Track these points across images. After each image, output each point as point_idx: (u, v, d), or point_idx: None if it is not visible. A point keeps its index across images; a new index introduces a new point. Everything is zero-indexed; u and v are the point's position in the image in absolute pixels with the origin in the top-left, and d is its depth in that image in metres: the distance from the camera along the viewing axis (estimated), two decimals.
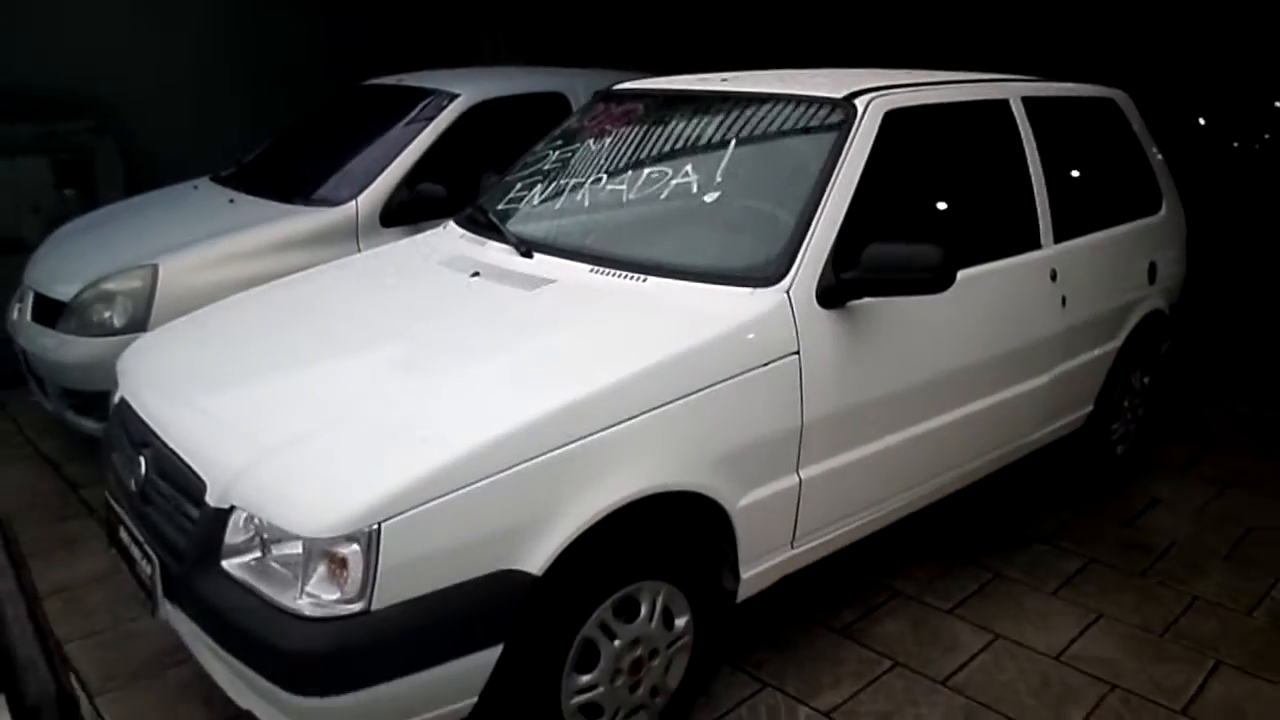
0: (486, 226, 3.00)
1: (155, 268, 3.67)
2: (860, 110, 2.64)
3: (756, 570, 2.45)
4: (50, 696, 1.21)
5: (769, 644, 2.79)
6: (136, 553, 2.18)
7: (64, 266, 3.98)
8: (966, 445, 2.98)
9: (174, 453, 2.10)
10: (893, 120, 2.68)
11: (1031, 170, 3.14)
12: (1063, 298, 3.18)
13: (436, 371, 2.18)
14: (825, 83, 2.86)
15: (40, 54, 5.50)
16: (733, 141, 2.77)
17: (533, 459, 1.91)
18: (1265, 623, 2.99)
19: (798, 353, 2.34)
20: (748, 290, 2.35)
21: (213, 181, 4.68)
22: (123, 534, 2.28)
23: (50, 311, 3.81)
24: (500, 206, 3.10)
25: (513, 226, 2.89)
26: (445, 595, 1.85)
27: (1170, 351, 4.20)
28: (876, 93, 2.72)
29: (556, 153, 3.23)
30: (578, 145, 3.19)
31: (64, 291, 3.79)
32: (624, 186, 2.84)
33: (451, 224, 3.26)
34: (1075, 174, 3.39)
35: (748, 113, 2.84)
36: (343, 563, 1.77)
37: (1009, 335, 3.00)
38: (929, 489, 2.91)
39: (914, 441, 2.73)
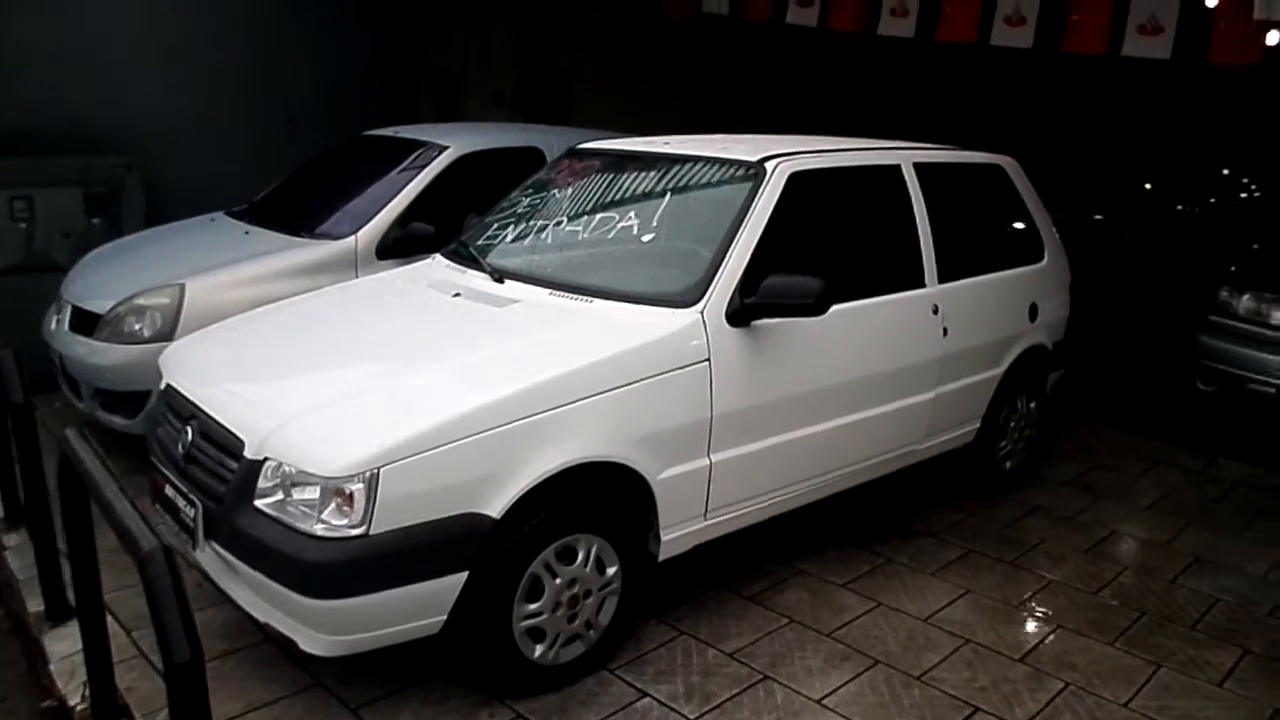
0: (468, 258, 3.64)
1: (183, 287, 4.28)
2: (769, 171, 3.31)
3: (674, 535, 3.05)
4: (159, 548, 1.80)
5: (688, 604, 3.38)
6: (181, 502, 2.77)
7: (100, 284, 4.58)
8: (856, 446, 3.61)
9: (217, 421, 2.70)
10: (796, 180, 3.35)
11: (919, 222, 3.81)
12: (944, 328, 3.84)
13: (425, 364, 2.81)
14: (747, 148, 3.54)
15: (76, 98, 6.19)
16: (668, 193, 3.44)
17: (498, 427, 2.53)
18: (1107, 599, 3.61)
19: (708, 360, 2.97)
20: (670, 310, 2.99)
21: (228, 216, 5.32)
22: (168, 490, 2.87)
23: (87, 322, 4.41)
24: (480, 242, 3.74)
25: (489, 259, 3.53)
26: (426, 527, 2.45)
27: (1061, 382, 4.87)
28: (784, 158, 3.39)
29: (528, 199, 3.89)
30: (545, 194, 3.86)
31: (100, 305, 4.39)
32: (579, 228, 3.50)
33: (438, 256, 3.90)
34: (960, 226, 4.06)
35: (682, 170, 3.51)
36: (350, 497, 2.37)
37: (894, 356, 3.65)
38: (823, 482, 3.53)
39: (809, 439, 3.35)
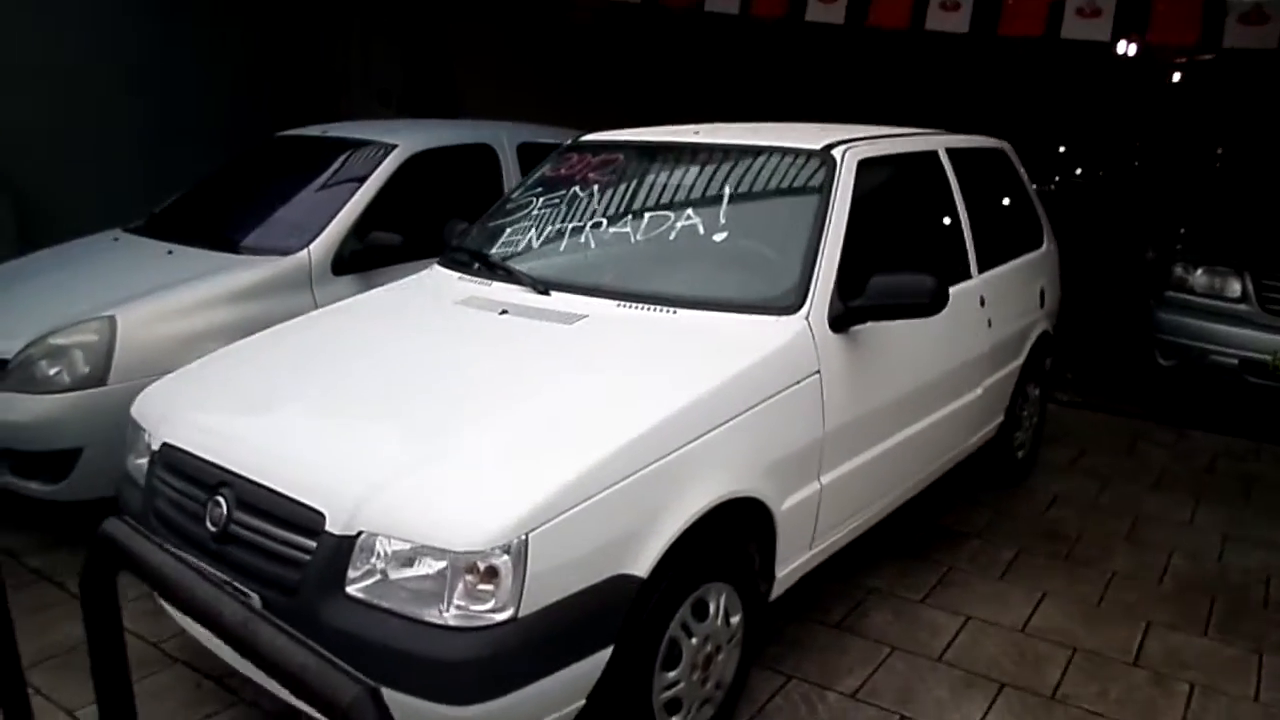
0: (488, 268, 3.16)
1: (113, 320, 3.56)
2: (840, 159, 3.01)
3: (786, 570, 2.71)
4: (363, 693, 1.32)
5: (776, 642, 3.04)
6: None
7: None
8: (930, 450, 3.38)
9: (272, 489, 2.15)
10: (863, 168, 3.07)
11: (960, 210, 3.61)
12: (989, 320, 3.66)
13: (516, 398, 2.34)
14: (795, 136, 3.23)
15: None
16: (726, 187, 3.07)
17: (642, 469, 2.11)
18: (1172, 588, 3.52)
19: (819, 372, 2.65)
20: (773, 318, 2.64)
21: (131, 233, 4.56)
22: None
23: None
24: (496, 250, 3.26)
25: (525, 268, 3.06)
26: (576, 599, 2.01)
27: (1050, 367, 4.83)
28: (847, 144, 3.10)
29: (541, 200, 3.42)
30: (562, 192, 3.40)
31: (3, 348, 3.61)
32: (628, 229, 3.08)
33: (438, 268, 3.39)
34: (987, 213, 3.90)
35: (736, 162, 3.15)
36: (491, 573, 1.90)
37: (959, 352, 3.44)
38: (904, 490, 3.29)
39: (896, 448, 3.09)
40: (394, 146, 4.54)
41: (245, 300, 3.86)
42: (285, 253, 4.08)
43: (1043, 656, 3.03)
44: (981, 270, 3.66)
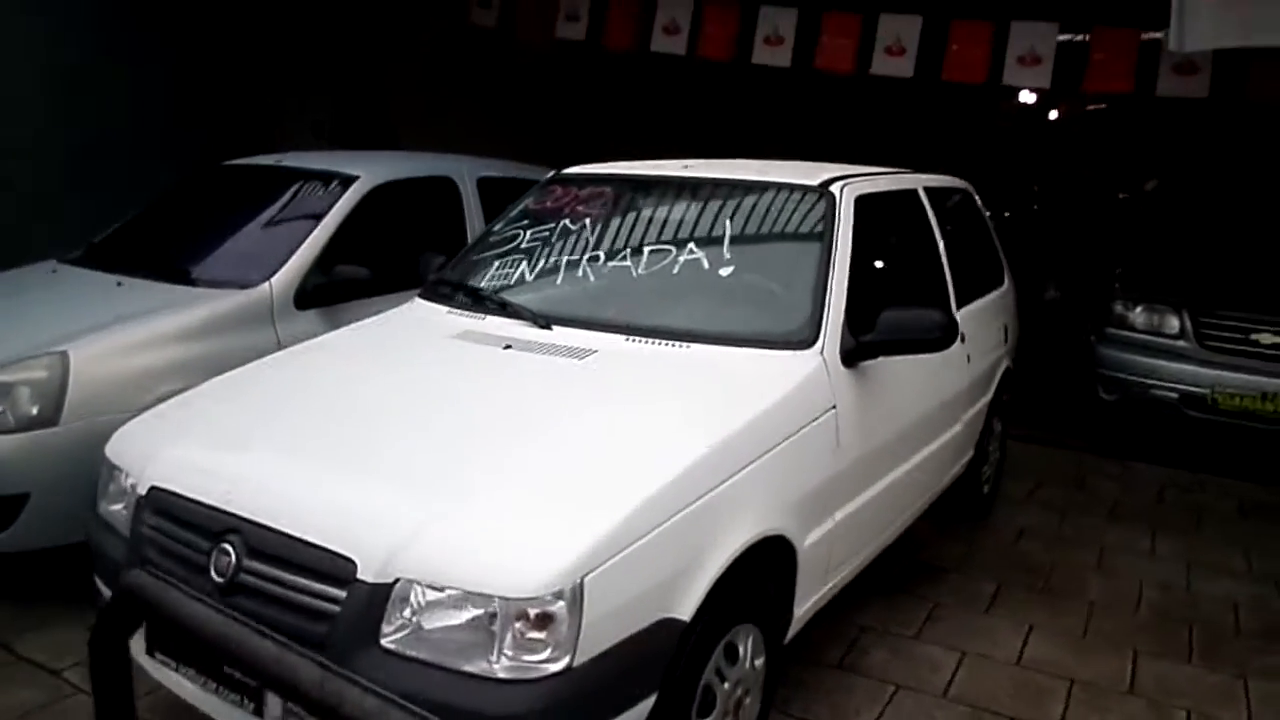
0: (481, 302, 3.06)
1: (65, 356, 3.31)
2: (839, 195, 3.03)
3: (803, 609, 2.66)
4: None
5: (785, 685, 2.96)
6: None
7: None
8: (923, 483, 3.39)
9: (289, 536, 2.00)
10: (860, 204, 3.09)
11: (940, 247, 3.67)
12: (968, 356, 3.72)
13: (551, 433, 2.24)
14: (786, 172, 3.24)
15: None
16: (728, 222, 3.05)
17: (686, 507, 2.04)
18: (1149, 617, 3.60)
19: (834, 407, 2.63)
20: (789, 353, 2.61)
21: (69, 264, 4.29)
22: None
23: None
24: (486, 284, 3.17)
25: (521, 302, 2.97)
26: (624, 646, 1.91)
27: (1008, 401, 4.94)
28: (843, 181, 3.12)
29: (529, 233, 3.34)
30: (552, 225, 3.33)
31: None
32: (628, 263, 3.02)
33: (421, 302, 3.28)
34: (958, 251, 3.98)
35: (732, 197, 3.14)
36: (545, 620, 1.79)
37: (945, 387, 3.47)
38: (901, 524, 3.28)
39: (897, 482, 3.09)
40: (355, 178, 4.40)
41: (205, 336, 3.66)
42: (245, 286, 3.89)
43: (1043, 689, 3.05)
44: (959, 306, 3.72)
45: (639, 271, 2.98)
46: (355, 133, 8.80)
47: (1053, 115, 17.23)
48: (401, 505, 1.98)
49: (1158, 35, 5.34)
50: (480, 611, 1.82)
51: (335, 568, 1.92)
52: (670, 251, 2.99)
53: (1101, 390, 5.73)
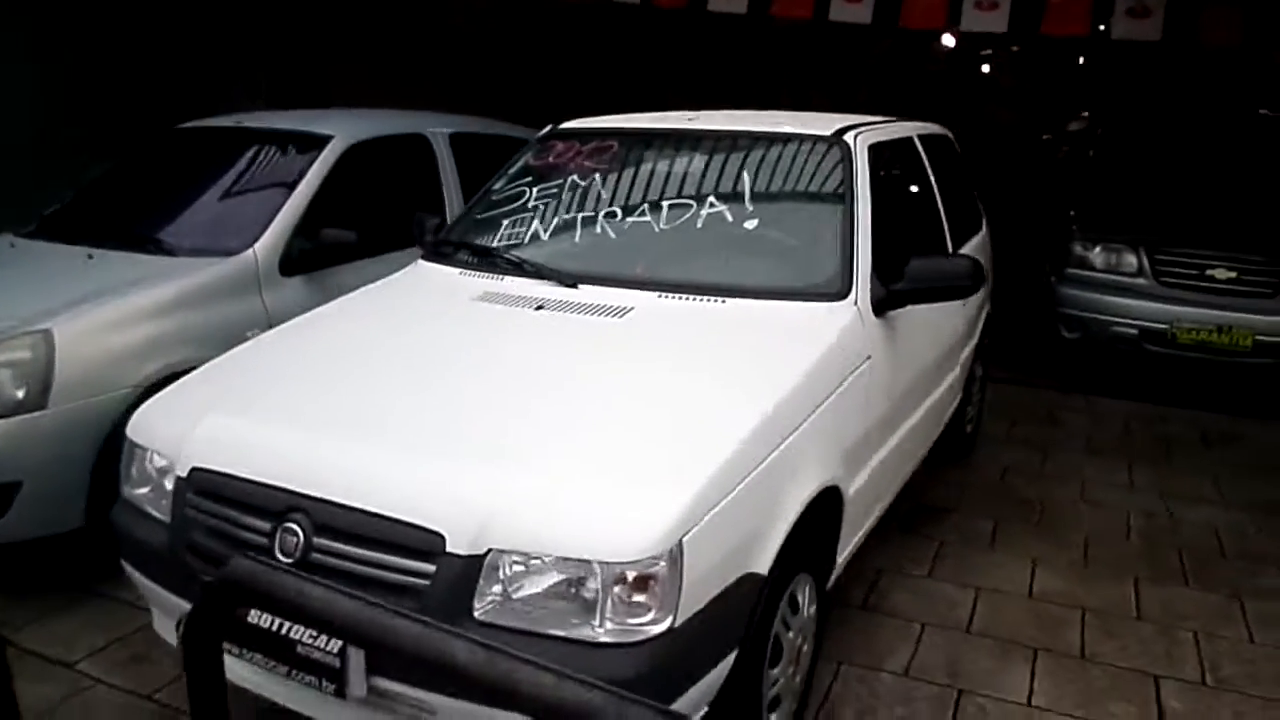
0: (493, 262, 2.99)
1: (49, 334, 3.14)
2: (853, 145, 3.02)
3: (844, 555, 2.71)
4: None
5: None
6: (303, 633, 1.97)
7: None
8: (932, 424, 3.48)
9: (366, 512, 1.94)
10: (874, 152, 3.10)
11: (936, 193, 3.71)
12: (963, 300, 3.78)
13: (616, 394, 2.21)
14: (794, 122, 3.22)
15: None
16: (745, 174, 3.02)
17: (763, 462, 2.05)
18: (1141, 545, 3.76)
19: (870, 357, 2.65)
20: (826, 305, 2.62)
21: (25, 238, 4.06)
22: (256, 618, 2.03)
23: None
24: (498, 243, 3.09)
25: (541, 261, 2.91)
26: (715, 604, 1.92)
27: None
28: (856, 129, 3.12)
29: (534, 190, 3.26)
30: (559, 181, 3.25)
31: None
32: (648, 219, 2.98)
33: (425, 264, 3.19)
34: (948, 196, 4.03)
35: (746, 149, 3.11)
36: (647, 583, 1.79)
37: (948, 332, 3.54)
38: (914, 465, 3.36)
39: (916, 424, 3.16)
40: (330, 137, 4.23)
41: (191, 307, 3.51)
42: (228, 254, 3.73)
43: (1058, 619, 3.17)
44: (953, 250, 3.78)
45: (661, 227, 2.94)
46: (291, 96, 8.45)
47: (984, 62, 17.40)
48: (486, 476, 1.93)
49: None
50: (578, 576, 1.80)
51: (422, 542, 1.87)
52: (691, 206, 2.96)
53: (1063, 329, 5.91)
